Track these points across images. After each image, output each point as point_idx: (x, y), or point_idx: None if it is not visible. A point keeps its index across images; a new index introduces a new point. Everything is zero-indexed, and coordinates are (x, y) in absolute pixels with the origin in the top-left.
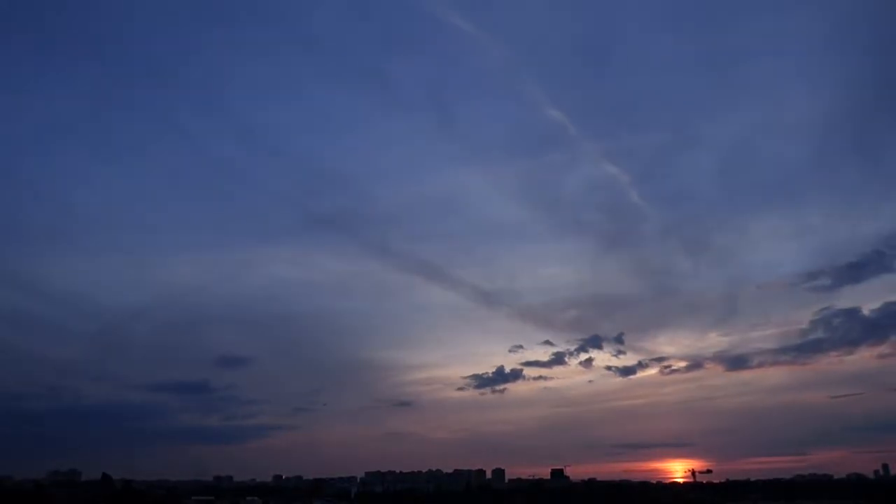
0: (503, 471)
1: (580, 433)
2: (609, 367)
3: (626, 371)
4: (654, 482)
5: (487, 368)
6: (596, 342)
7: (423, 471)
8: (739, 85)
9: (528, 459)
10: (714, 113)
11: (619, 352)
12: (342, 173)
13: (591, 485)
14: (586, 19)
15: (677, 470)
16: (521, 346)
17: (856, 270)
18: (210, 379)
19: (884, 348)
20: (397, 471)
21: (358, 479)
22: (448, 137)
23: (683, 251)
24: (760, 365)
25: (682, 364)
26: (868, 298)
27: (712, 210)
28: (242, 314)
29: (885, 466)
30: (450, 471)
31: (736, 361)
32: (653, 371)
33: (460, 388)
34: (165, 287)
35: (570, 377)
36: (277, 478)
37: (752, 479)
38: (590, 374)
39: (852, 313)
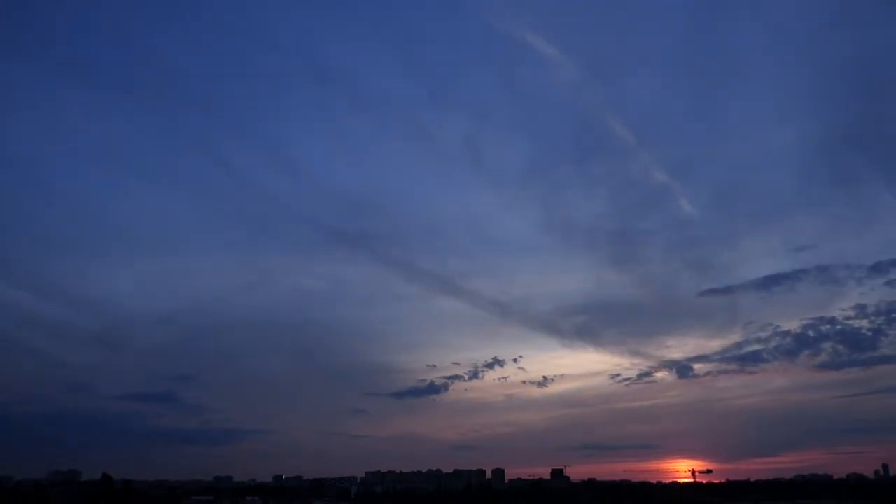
0: (503, 471)
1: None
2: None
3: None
4: (655, 482)
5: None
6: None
7: (423, 471)
8: (729, 125)
9: (530, 458)
10: (707, 151)
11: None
12: (368, 198)
13: (591, 485)
14: (582, 65)
15: (678, 470)
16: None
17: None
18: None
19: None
20: (397, 471)
21: (358, 479)
22: (472, 169)
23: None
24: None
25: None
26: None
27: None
28: (265, 321)
29: (885, 466)
30: (450, 471)
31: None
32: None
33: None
34: (193, 294)
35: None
36: (277, 478)
37: (753, 479)
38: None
39: None
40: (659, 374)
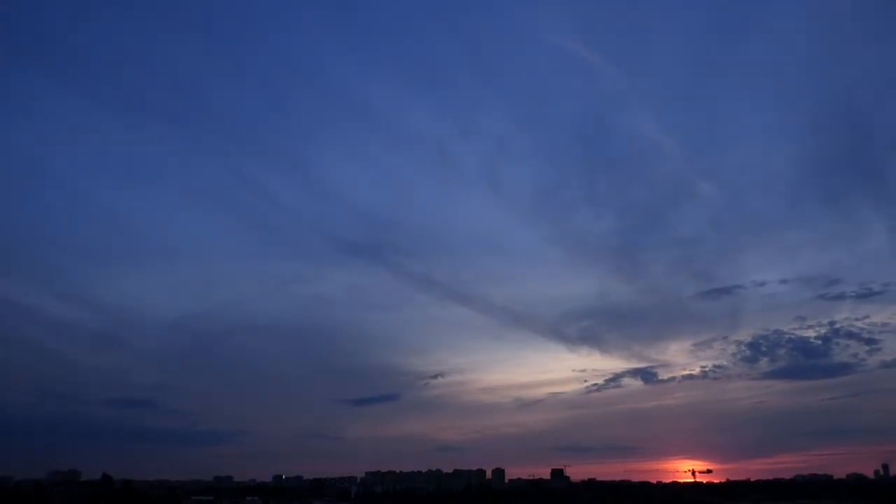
0: (503, 471)
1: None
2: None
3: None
4: (655, 482)
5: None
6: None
7: (423, 471)
8: (724, 146)
9: (531, 458)
10: (705, 174)
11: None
12: (387, 215)
13: (591, 485)
14: (586, 106)
15: (678, 470)
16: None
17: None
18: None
19: None
20: (397, 471)
21: (358, 479)
22: (487, 191)
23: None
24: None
25: None
26: None
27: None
28: (276, 325)
29: (885, 466)
30: (450, 471)
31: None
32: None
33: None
34: (208, 300)
35: None
36: (277, 478)
37: (752, 479)
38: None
39: None
40: (660, 376)
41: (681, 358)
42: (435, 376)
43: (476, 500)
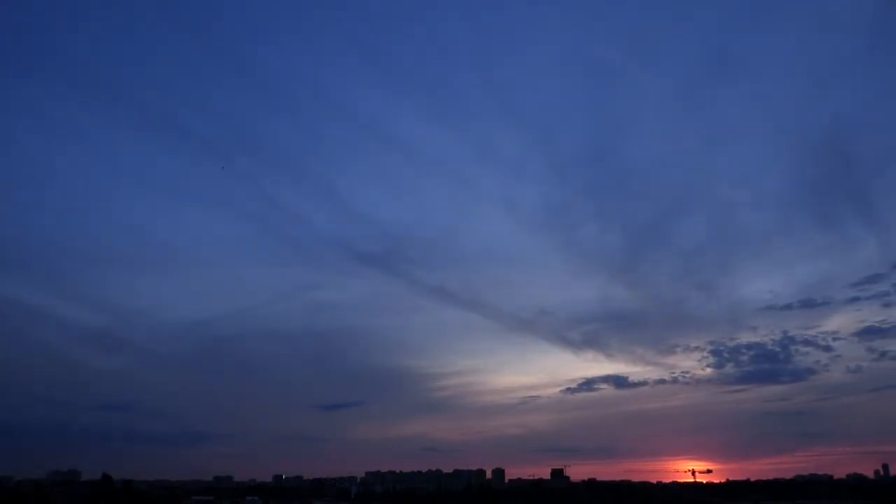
0: (503, 471)
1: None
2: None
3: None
4: (655, 482)
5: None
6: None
7: (423, 471)
8: (717, 168)
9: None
10: (704, 194)
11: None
12: (403, 230)
13: (591, 485)
14: (595, 128)
15: (678, 470)
16: None
17: None
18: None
19: None
20: (397, 471)
21: (358, 479)
22: (502, 210)
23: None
24: None
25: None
26: None
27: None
28: (288, 329)
29: (885, 466)
30: (450, 471)
31: None
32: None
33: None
34: (225, 306)
35: None
36: (277, 478)
37: (752, 479)
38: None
39: None
40: (660, 379)
41: (683, 361)
42: (441, 378)
43: (476, 500)
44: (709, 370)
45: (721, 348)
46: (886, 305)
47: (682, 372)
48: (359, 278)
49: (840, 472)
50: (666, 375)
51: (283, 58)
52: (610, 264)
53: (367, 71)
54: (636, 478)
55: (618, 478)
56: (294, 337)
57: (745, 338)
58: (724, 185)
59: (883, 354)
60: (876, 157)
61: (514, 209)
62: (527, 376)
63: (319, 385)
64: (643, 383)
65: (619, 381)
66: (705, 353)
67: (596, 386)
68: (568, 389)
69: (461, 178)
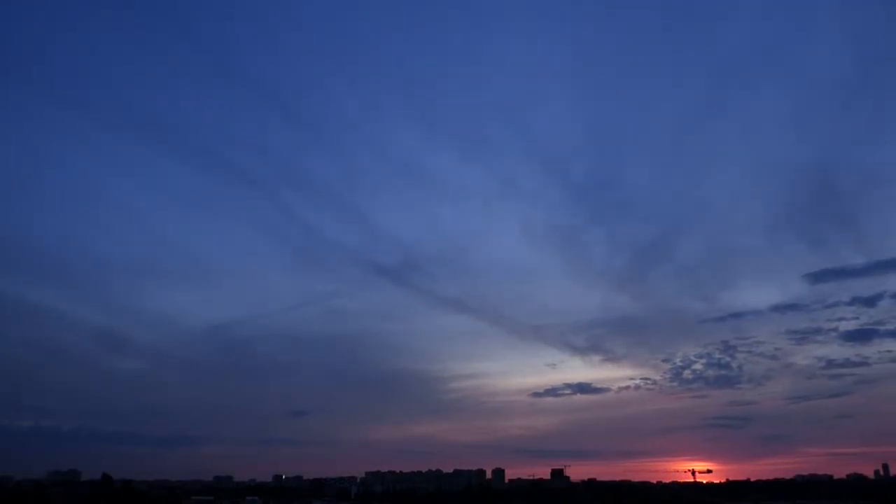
0: (503, 471)
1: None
2: None
3: None
4: (655, 482)
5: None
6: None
7: (423, 471)
8: (709, 190)
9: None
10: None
11: None
12: (419, 247)
13: (591, 485)
14: (602, 160)
15: (678, 470)
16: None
17: None
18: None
19: None
20: (397, 471)
21: (358, 479)
22: (515, 234)
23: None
24: None
25: None
26: None
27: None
28: (300, 334)
29: (885, 466)
30: (450, 471)
31: None
32: None
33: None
34: (242, 312)
35: None
36: (277, 478)
37: (752, 479)
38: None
39: None
40: (662, 382)
41: (683, 365)
42: (449, 381)
43: (476, 500)
44: (709, 373)
45: (716, 355)
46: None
47: (681, 375)
48: (374, 290)
49: (840, 472)
50: (666, 378)
51: (327, 98)
52: (614, 278)
53: (402, 112)
54: (636, 478)
55: (618, 478)
56: (308, 341)
57: (740, 345)
58: (716, 209)
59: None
60: (857, 184)
61: (527, 231)
62: (532, 379)
63: (329, 387)
64: (644, 386)
65: (620, 384)
66: (704, 359)
67: (598, 388)
68: (571, 391)
69: (479, 205)
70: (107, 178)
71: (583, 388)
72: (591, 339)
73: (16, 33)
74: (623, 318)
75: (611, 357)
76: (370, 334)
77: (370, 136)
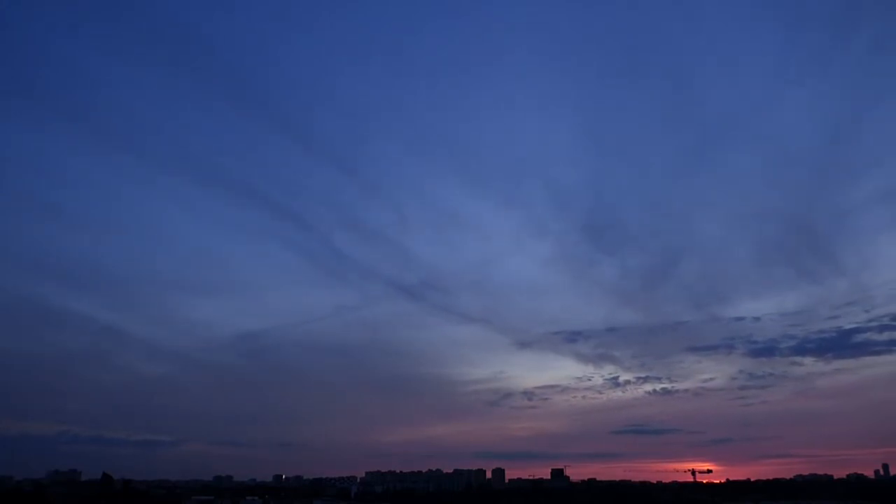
0: (503, 471)
1: None
2: None
3: None
4: (655, 482)
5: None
6: None
7: (423, 471)
8: (701, 232)
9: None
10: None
11: None
12: (433, 265)
13: (591, 485)
14: (605, 199)
15: (678, 470)
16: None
17: None
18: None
19: None
20: (397, 471)
21: (358, 479)
22: (518, 252)
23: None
24: None
25: None
26: None
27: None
28: (319, 342)
29: (885, 466)
30: (450, 471)
31: None
32: None
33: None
34: (265, 322)
35: None
36: (277, 478)
37: (753, 478)
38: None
39: None
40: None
41: (683, 370)
42: (459, 386)
43: (476, 500)
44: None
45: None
46: None
47: (681, 379)
48: (392, 301)
49: (840, 472)
50: (666, 385)
51: (380, 153)
52: (617, 294)
53: (436, 159)
54: (636, 478)
55: (618, 478)
56: (330, 349)
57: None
58: (706, 245)
59: None
60: (832, 220)
61: (538, 257)
62: (537, 382)
63: (347, 390)
64: (644, 389)
65: (622, 386)
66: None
67: (600, 390)
68: (575, 395)
69: (495, 234)
70: (163, 213)
71: (585, 389)
72: (598, 346)
73: (103, 97)
74: (627, 328)
75: (615, 363)
76: (386, 342)
77: (410, 180)
